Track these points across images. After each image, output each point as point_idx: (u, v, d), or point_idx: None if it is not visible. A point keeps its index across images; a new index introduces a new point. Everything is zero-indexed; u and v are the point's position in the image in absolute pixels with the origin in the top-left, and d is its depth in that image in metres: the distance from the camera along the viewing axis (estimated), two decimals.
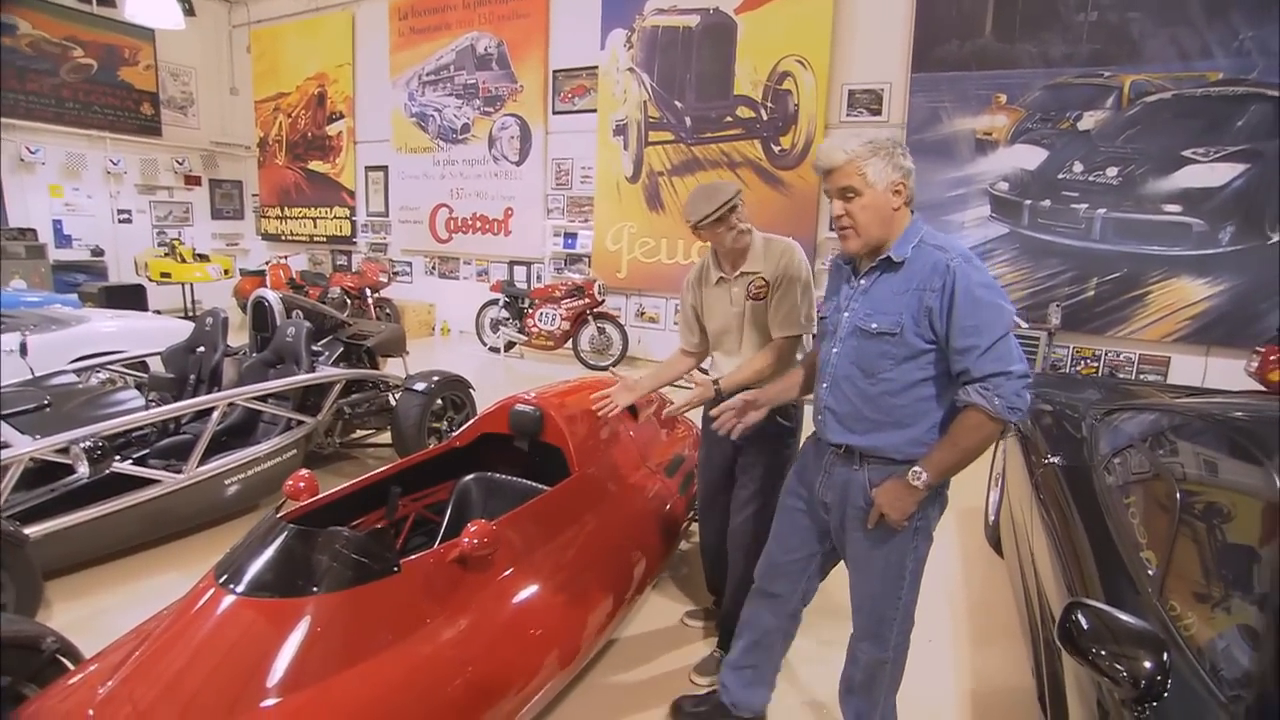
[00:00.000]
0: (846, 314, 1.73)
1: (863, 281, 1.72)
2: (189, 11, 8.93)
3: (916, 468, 1.62)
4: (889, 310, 1.64)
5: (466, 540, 1.68)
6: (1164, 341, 5.70)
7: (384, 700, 1.47)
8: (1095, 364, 6.00)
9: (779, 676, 2.18)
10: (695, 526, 2.90)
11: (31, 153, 8.77)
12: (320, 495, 2.01)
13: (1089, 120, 5.69)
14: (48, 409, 3.06)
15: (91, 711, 1.33)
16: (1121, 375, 5.90)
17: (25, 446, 2.64)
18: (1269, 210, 5.19)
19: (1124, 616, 1.32)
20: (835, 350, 1.75)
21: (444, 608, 1.68)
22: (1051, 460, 2.63)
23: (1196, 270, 5.47)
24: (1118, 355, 5.92)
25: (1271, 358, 4.87)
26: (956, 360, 1.57)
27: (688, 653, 2.54)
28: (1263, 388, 4.84)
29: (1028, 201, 5.97)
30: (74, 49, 9.11)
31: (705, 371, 2.43)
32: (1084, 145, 5.72)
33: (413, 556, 1.67)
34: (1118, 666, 1.25)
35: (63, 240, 9.18)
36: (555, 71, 8.05)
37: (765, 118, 6.88)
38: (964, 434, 1.58)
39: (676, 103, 7.31)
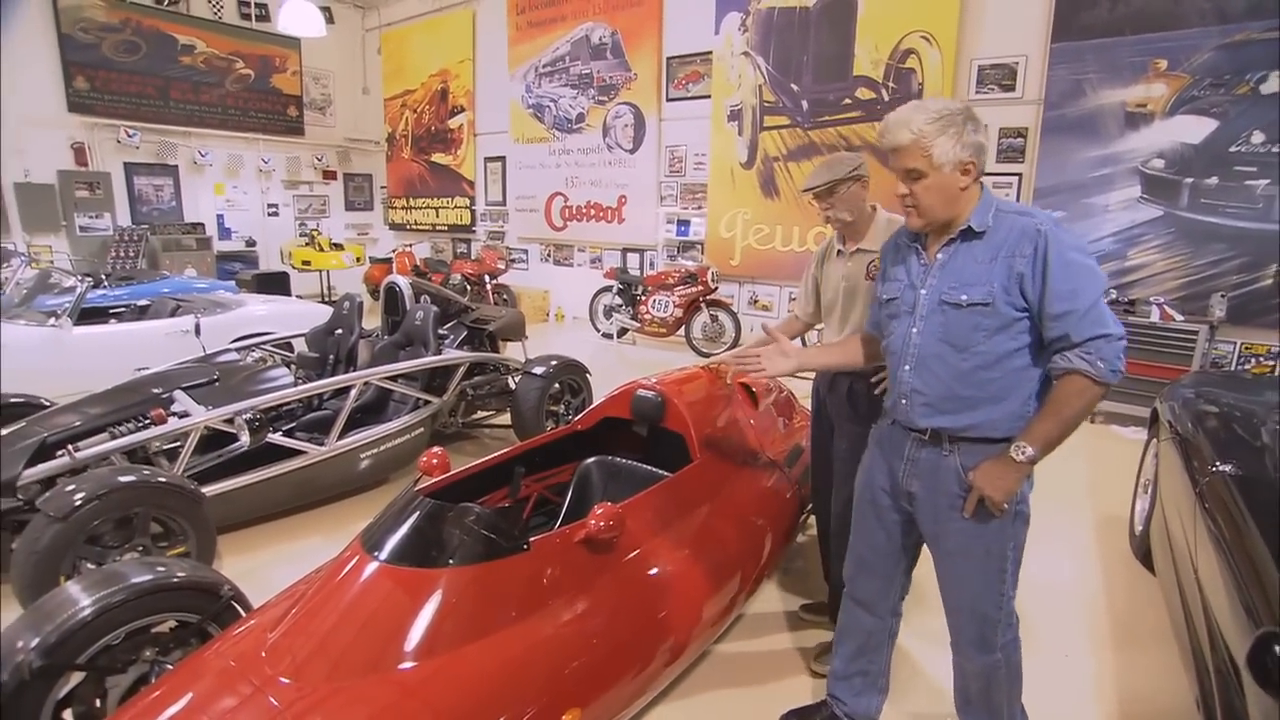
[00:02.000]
0: (924, 290, 1.65)
1: (939, 256, 1.64)
2: (329, 20, 9.63)
3: (1020, 441, 1.54)
4: (978, 281, 1.56)
5: (594, 523, 1.72)
6: None
7: (508, 674, 1.54)
8: (1271, 362, 5.30)
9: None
10: (812, 519, 2.84)
11: (202, 156, 9.84)
12: (452, 472, 2.11)
13: (1275, 81, 4.98)
14: (217, 383, 3.42)
15: (264, 654, 1.48)
16: None
17: (201, 416, 2.98)
18: None
19: None
20: (915, 329, 1.66)
21: (569, 587, 1.73)
22: (1222, 468, 2.35)
23: None
24: None
25: None
26: (1053, 326, 1.51)
27: (804, 640, 2.50)
28: None
29: (1189, 180, 5.33)
30: (237, 62, 10.09)
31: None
32: (1267, 112, 5.01)
33: (541, 535, 1.73)
34: None
35: (224, 233, 10.25)
36: (669, 58, 8.03)
37: (887, 99, 6.54)
38: (1067, 401, 1.52)
39: (793, 86, 7.10)
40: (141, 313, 5.46)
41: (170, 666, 1.63)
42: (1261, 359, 5.33)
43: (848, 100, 6.79)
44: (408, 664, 1.47)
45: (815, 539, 2.62)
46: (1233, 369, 5.36)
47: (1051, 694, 2.24)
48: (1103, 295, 1.50)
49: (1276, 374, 5.24)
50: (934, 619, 1.92)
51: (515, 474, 2.49)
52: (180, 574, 1.81)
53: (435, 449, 2.08)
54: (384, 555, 1.62)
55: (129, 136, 9.13)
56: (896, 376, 1.72)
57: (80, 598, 1.62)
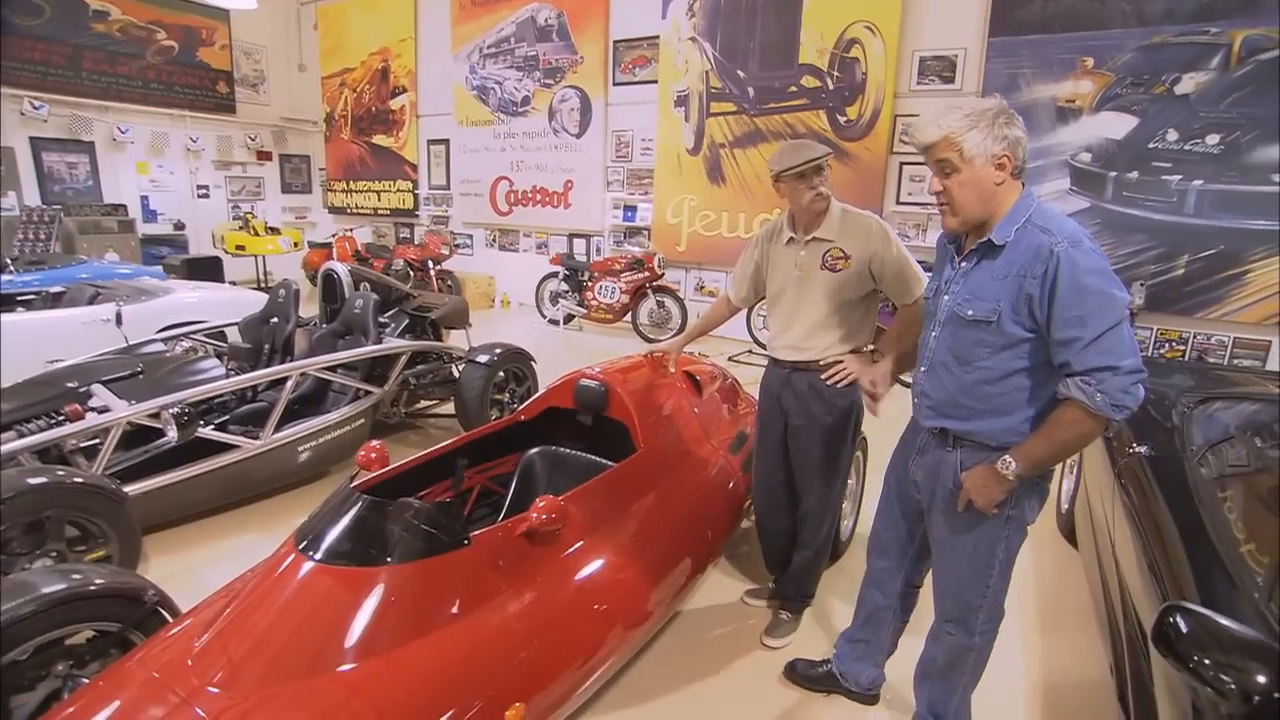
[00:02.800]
0: (947, 297, 1.66)
1: (964, 264, 1.63)
2: None
3: (1007, 457, 1.55)
4: (986, 296, 1.55)
5: (535, 515, 1.70)
6: (1265, 324, 5.30)
7: (452, 671, 1.52)
8: (1182, 347, 5.64)
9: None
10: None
11: (122, 132, 9.24)
12: (391, 466, 2.06)
13: (1188, 83, 5.27)
14: (140, 376, 3.25)
15: (190, 661, 1.42)
16: (1212, 359, 5.54)
17: (123, 411, 2.82)
18: None
19: (1232, 624, 1.23)
20: (934, 335, 1.70)
21: (512, 581, 1.71)
22: (1138, 449, 2.49)
23: None
24: (1208, 338, 5.55)
25: None
26: (1058, 351, 1.48)
27: (751, 627, 2.56)
28: None
29: (1113, 173, 5.60)
30: (158, 32, 9.49)
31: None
32: (1181, 111, 5.30)
33: (481, 530, 1.70)
34: (1224, 678, 1.17)
35: (149, 215, 9.68)
36: (616, 42, 7.94)
37: (831, 87, 6.64)
38: (1060, 428, 1.49)
39: (739, 72, 7.12)
40: (55, 300, 5.12)
41: (86, 680, 1.55)
42: (1174, 344, 5.67)
43: (793, 88, 6.86)
44: (347, 665, 1.44)
45: (755, 525, 2.66)
46: (1149, 354, 5.68)
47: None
48: (1121, 321, 1.43)
49: (1187, 359, 5.59)
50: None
51: (457, 466, 2.45)
52: (98, 580, 1.72)
53: (373, 442, 2.03)
54: (319, 555, 1.57)
55: (34, 108, 8.48)
56: (915, 375, 1.78)
57: None
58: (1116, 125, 5.53)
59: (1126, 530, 2.18)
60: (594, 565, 1.92)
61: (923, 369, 1.74)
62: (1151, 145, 5.41)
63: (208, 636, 1.47)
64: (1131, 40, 5.41)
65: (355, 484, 1.82)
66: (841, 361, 2.22)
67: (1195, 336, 5.58)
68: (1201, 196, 5.31)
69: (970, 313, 1.57)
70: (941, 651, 1.86)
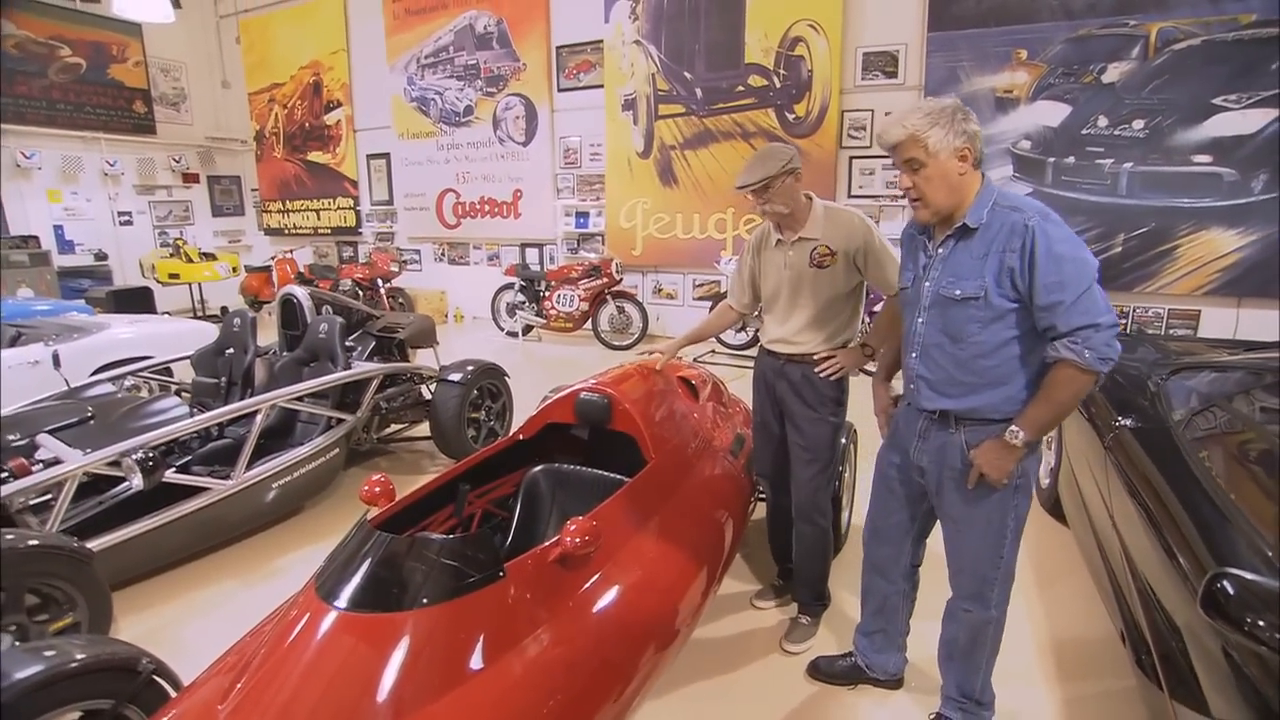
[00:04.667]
0: (927, 283, 1.75)
1: (940, 250, 1.73)
2: (176, 4, 8.70)
3: (1013, 426, 1.64)
4: (971, 275, 1.65)
5: (569, 539, 1.62)
6: (1194, 295, 5.63)
7: (497, 714, 1.42)
8: (1124, 321, 5.94)
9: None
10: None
11: (27, 158, 8.61)
12: (400, 498, 1.95)
13: (1114, 72, 5.56)
14: (91, 421, 3.00)
15: None
16: (1150, 331, 5.85)
17: (78, 460, 2.59)
18: None
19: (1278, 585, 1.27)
20: (920, 320, 1.78)
21: (547, 612, 1.63)
22: (1123, 422, 2.58)
23: (1228, 221, 5.38)
24: (1145, 311, 5.86)
25: None
26: (1042, 317, 1.58)
27: (764, 631, 2.53)
28: None
29: (1051, 159, 5.86)
30: (61, 48, 8.90)
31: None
32: (1108, 99, 5.59)
33: (514, 560, 1.61)
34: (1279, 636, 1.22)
35: (65, 246, 9.06)
36: (559, 48, 7.86)
37: (778, 85, 6.73)
38: (1057, 389, 1.60)
39: (686, 74, 7.15)
40: None
41: None
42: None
43: (740, 88, 6.92)
44: None
45: (756, 525, 2.65)
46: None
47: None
48: (1094, 283, 1.55)
49: (1129, 333, 5.88)
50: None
51: (460, 492, 2.34)
52: (80, 655, 1.53)
53: (377, 476, 1.90)
54: (343, 603, 1.45)
55: None
56: (906, 363, 1.85)
57: None
58: (1052, 113, 5.78)
59: (1126, 500, 2.25)
60: (621, 587, 1.85)
61: (914, 354, 1.80)
62: (1085, 131, 5.68)
63: (231, 704, 1.33)
64: (1060, 32, 5.67)
65: (370, 520, 1.70)
66: (834, 356, 2.30)
67: (1135, 310, 5.88)
68: (1132, 178, 5.60)
69: (958, 292, 1.66)
70: (962, 630, 1.91)
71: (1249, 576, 1.31)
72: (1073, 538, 3.02)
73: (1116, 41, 5.54)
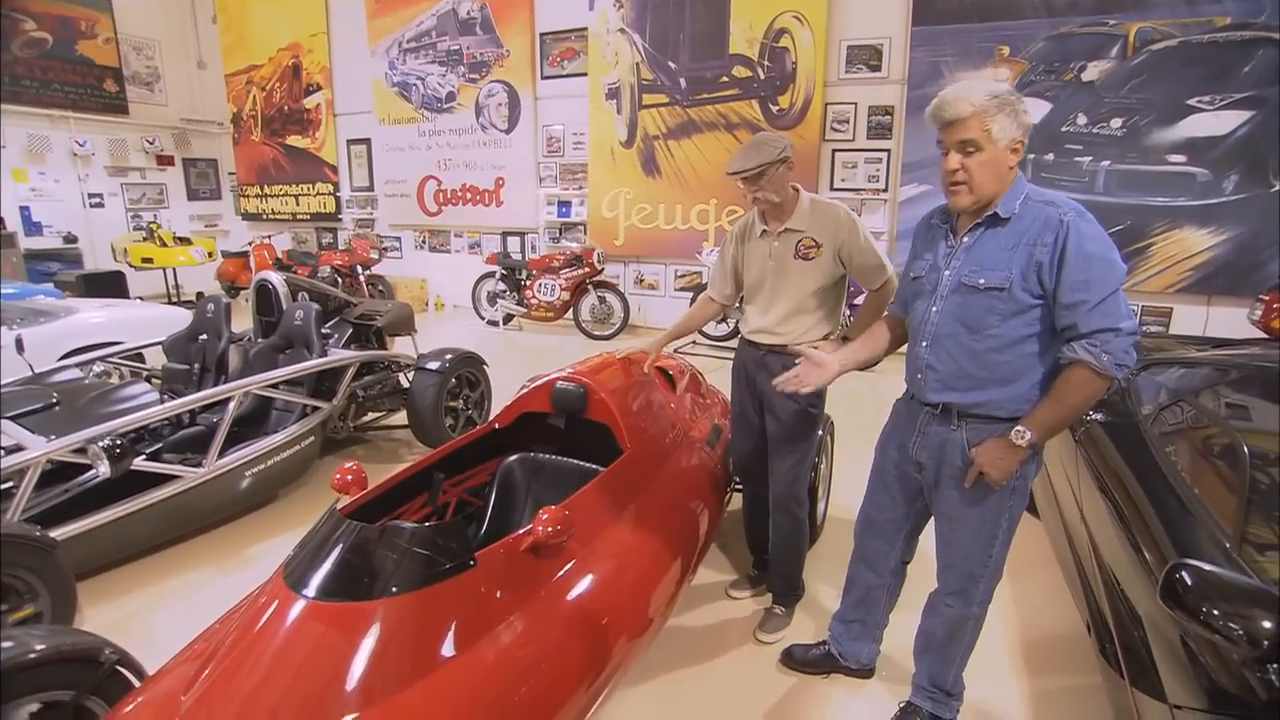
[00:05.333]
0: (947, 272, 1.69)
1: (965, 239, 1.67)
2: None
3: (1020, 426, 1.60)
4: (997, 266, 1.60)
5: (541, 528, 1.62)
6: (1167, 292, 5.73)
7: (466, 703, 1.42)
8: None
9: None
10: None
11: None
12: (371, 487, 1.92)
13: (1093, 71, 5.62)
14: (56, 408, 2.93)
15: None
16: None
17: (41, 448, 2.53)
18: (1272, 158, 5.19)
19: (1235, 576, 1.31)
20: (935, 308, 1.72)
21: (519, 601, 1.62)
22: (1094, 416, 2.62)
23: (1199, 220, 5.48)
24: None
25: (1275, 306, 4.91)
26: (1064, 315, 1.55)
27: (738, 621, 2.55)
28: (1266, 335, 4.90)
29: (1030, 156, 5.91)
30: (25, 21, 8.60)
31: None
32: (1088, 97, 5.65)
33: (486, 549, 1.61)
34: (1232, 626, 1.24)
35: (32, 228, 8.82)
36: (542, 34, 7.78)
37: (762, 77, 6.72)
38: (1070, 391, 1.56)
39: (670, 64, 7.11)
40: None
41: None
42: None
43: (725, 78, 6.90)
44: (351, 715, 1.31)
45: (733, 516, 2.66)
46: None
47: None
48: (1120, 287, 1.52)
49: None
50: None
51: (435, 480, 2.32)
52: (39, 645, 1.50)
53: (349, 464, 1.88)
54: (313, 591, 1.43)
55: None
56: (914, 352, 1.79)
57: None
58: (1032, 110, 5.71)
59: (1095, 493, 2.29)
60: (594, 576, 1.85)
61: (924, 343, 1.75)
62: (1064, 129, 5.74)
63: (193, 696, 1.31)
64: (1042, 30, 5.72)
65: (340, 509, 1.68)
66: (803, 357, 2.16)
67: None
68: (1109, 176, 5.68)
69: (982, 281, 1.61)
70: (941, 624, 1.91)
71: (1206, 568, 1.34)
72: (1044, 530, 3.06)
73: (1097, 40, 5.59)
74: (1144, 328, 5.89)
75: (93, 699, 1.55)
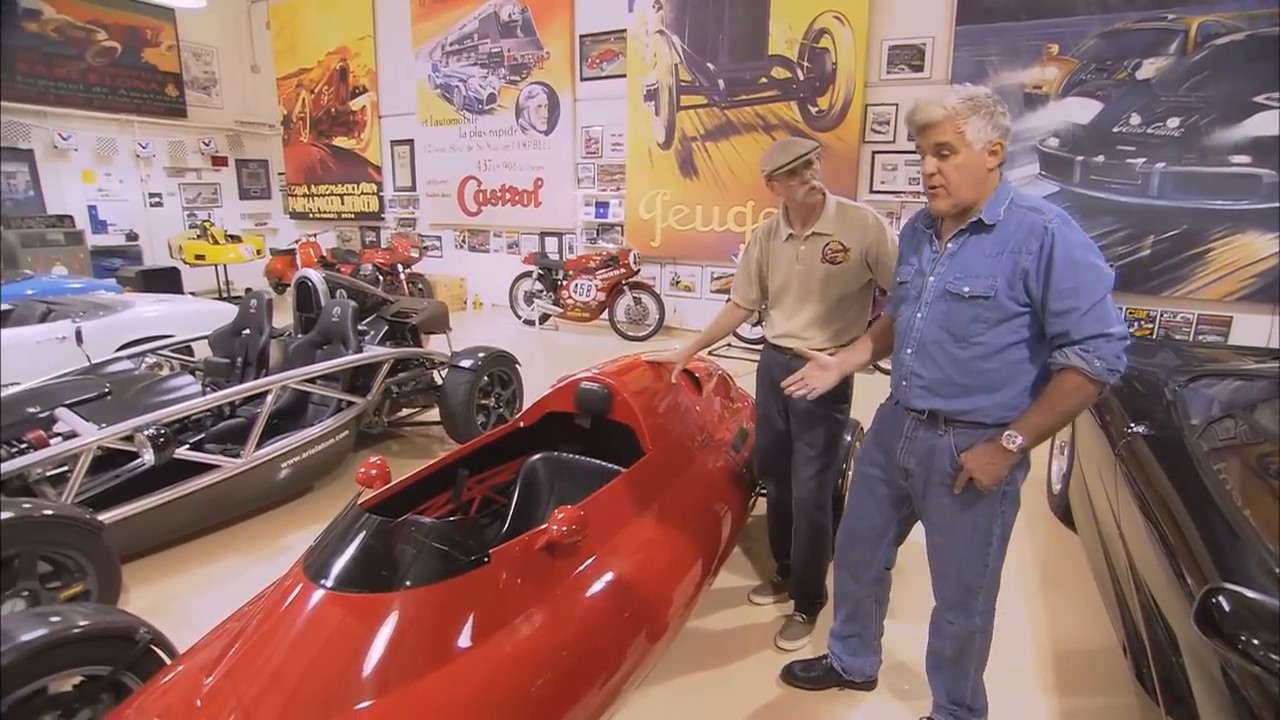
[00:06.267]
0: (931, 278, 1.68)
1: (949, 245, 1.66)
2: None
3: (1010, 431, 1.58)
4: (981, 273, 1.58)
5: (555, 527, 1.63)
6: (1226, 301, 5.46)
7: (479, 697, 1.44)
8: (1150, 325, 5.79)
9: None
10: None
11: (64, 139, 8.81)
12: (394, 482, 1.97)
13: (1149, 68, 5.39)
14: (109, 397, 3.07)
15: (199, 703, 1.32)
16: (1178, 336, 5.69)
17: (93, 435, 2.65)
18: None
19: (1276, 603, 1.23)
20: (920, 315, 1.71)
21: (534, 599, 1.64)
22: (1136, 429, 2.51)
23: (1264, 225, 5.20)
24: (1174, 316, 5.70)
25: None
26: (1054, 322, 1.53)
27: (759, 627, 2.52)
28: None
29: (1080, 158, 5.71)
30: (98, 32, 9.06)
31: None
32: (1143, 95, 5.43)
33: (500, 546, 1.63)
34: (1274, 657, 1.17)
35: (98, 226, 9.27)
36: (582, 36, 7.84)
37: (802, 78, 6.64)
38: (1061, 397, 1.55)
39: (709, 65, 7.08)
40: (1, 319, 4.84)
41: None
42: (1142, 323, 5.82)
43: (764, 79, 6.84)
44: (366, 702, 1.35)
45: (757, 521, 2.63)
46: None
47: (994, 648, 2.35)
48: (1108, 293, 1.51)
49: (1155, 337, 5.74)
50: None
51: (459, 477, 2.36)
52: (82, 622, 1.59)
53: (374, 458, 1.93)
54: (331, 582, 1.47)
55: None
56: (899, 359, 1.77)
57: None
58: (1082, 110, 5.63)
59: (1134, 509, 2.20)
60: (615, 574, 1.86)
61: (909, 350, 1.73)
62: (1116, 129, 5.53)
63: (215, 677, 1.36)
64: (1094, 26, 5.51)
65: (361, 502, 1.72)
66: (812, 359, 2.09)
67: (1162, 314, 5.73)
68: (1165, 178, 5.44)
69: (967, 289, 1.60)
70: (947, 642, 1.86)
71: (1247, 593, 1.27)
72: (1081, 545, 2.96)
73: (1154, 36, 5.36)
74: (1200, 337, 5.63)
75: (128, 674, 1.62)
